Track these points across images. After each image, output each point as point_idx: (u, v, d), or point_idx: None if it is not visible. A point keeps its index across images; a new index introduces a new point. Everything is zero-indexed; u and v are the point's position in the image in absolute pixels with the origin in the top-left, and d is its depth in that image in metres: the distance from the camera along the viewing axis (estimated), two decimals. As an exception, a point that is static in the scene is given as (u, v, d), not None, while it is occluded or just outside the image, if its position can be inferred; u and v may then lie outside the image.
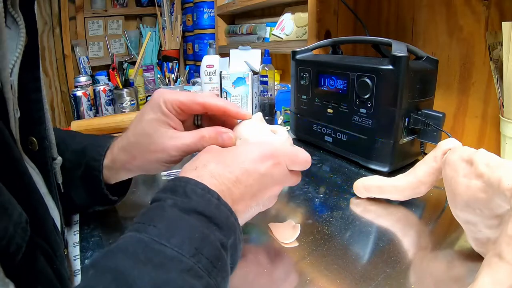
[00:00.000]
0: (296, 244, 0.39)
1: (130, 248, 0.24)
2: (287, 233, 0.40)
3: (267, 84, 1.00)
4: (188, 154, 0.38)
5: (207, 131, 0.37)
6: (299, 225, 0.41)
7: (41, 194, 0.28)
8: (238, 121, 0.39)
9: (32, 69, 0.29)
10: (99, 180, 0.40)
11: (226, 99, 1.05)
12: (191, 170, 0.31)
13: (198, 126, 0.41)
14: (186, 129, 0.39)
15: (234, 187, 0.30)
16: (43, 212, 0.27)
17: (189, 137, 0.37)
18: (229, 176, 0.30)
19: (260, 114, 0.38)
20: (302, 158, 0.34)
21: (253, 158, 0.32)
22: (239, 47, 1.09)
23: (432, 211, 0.47)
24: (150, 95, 1.44)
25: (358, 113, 0.60)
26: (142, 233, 0.25)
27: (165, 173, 0.59)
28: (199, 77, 1.16)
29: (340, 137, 0.65)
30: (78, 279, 0.35)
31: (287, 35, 1.14)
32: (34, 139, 0.29)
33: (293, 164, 0.34)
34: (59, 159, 0.36)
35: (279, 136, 0.37)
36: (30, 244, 0.21)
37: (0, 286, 0.18)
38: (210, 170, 0.30)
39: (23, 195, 0.22)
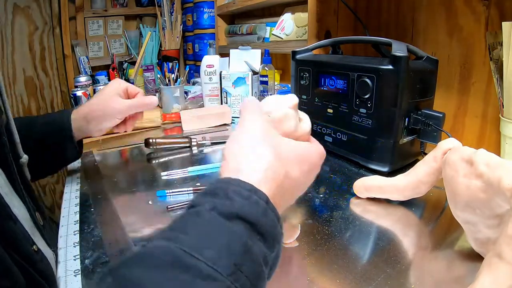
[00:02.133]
0: (296, 244, 0.39)
1: (156, 259, 0.20)
2: (287, 233, 0.40)
3: (267, 84, 1.00)
4: (128, 113, 0.60)
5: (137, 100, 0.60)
6: (299, 225, 0.42)
7: None
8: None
9: None
10: (71, 138, 0.55)
11: (226, 99, 1.05)
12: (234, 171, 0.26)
13: None
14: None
15: (286, 190, 0.28)
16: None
17: (129, 101, 0.59)
18: (281, 177, 0.27)
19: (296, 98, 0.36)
20: (323, 155, 0.35)
21: (315, 160, 0.32)
22: (239, 47, 1.09)
23: (432, 211, 0.47)
24: (150, 95, 1.44)
25: (358, 113, 0.60)
26: (171, 242, 0.21)
27: (165, 173, 0.59)
28: (199, 77, 1.16)
29: (340, 137, 0.65)
30: (78, 279, 0.35)
31: (287, 35, 1.14)
32: None
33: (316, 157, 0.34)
34: (24, 157, 0.38)
35: (306, 126, 0.35)
36: None
37: None
38: (267, 160, 0.26)
39: None
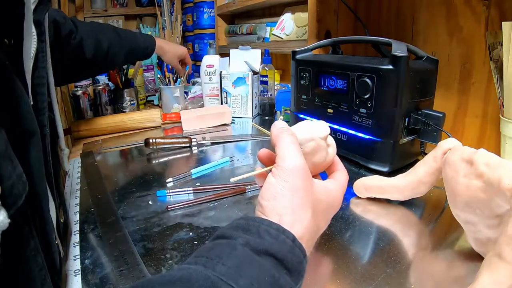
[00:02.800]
0: None
1: (196, 284, 0.22)
2: None
3: (267, 84, 1.00)
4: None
5: None
6: None
7: (41, 176, 0.30)
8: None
9: (42, 67, 0.35)
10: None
11: (226, 99, 1.05)
12: (282, 215, 0.28)
13: None
14: None
15: (316, 235, 0.31)
16: (38, 193, 0.29)
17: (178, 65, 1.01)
18: (315, 227, 0.30)
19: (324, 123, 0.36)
20: (346, 179, 0.36)
21: (334, 212, 0.33)
22: (239, 47, 1.09)
23: (432, 211, 0.47)
24: (150, 95, 1.44)
25: (358, 113, 0.60)
26: (209, 270, 0.23)
27: (171, 179, 0.59)
28: (199, 77, 1.16)
29: (340, 137, 0.65)
30: (78, 279, 0.35)
31: (287, 35, 1.14)
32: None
33: (343, 189, 0.35)
34: (66, 151, 0.41)
35: (332, 150, 0.35)
36: (24, 216, 0.23)
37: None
38: (304, 224, 0.29)
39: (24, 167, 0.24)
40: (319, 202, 0.31)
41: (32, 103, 0.30)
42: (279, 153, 0.31)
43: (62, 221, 0.38)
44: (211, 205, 0.50)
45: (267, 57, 1.00)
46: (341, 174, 0.35)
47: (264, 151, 0.35)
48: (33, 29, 0.32)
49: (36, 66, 0.33)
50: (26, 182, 0.22)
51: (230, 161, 0.67)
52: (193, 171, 0.62)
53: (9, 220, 0.19)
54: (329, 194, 0.32)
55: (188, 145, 0.77)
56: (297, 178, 0.29)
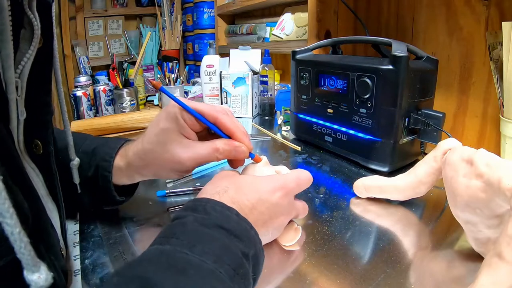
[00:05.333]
0: (298, 247, 0.39)
1: (154, 258, 0.25)
2: (289, 235, 0.40)
3: (267, 84, 1.00)
4: (201, 164, 0.38)
5: (221, 144, 0.37)
6: (301, 227, 0.41)
7: (38, 195, 0.28)
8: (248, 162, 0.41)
9: (44, 72, 0.29)
10: (108, 181, 0.40)
11: (226, 99, 1.05)
12: (213, 194, 0.33)
13: (212, 134, 0.40)
14: (200, 137, 0.39)
15: (250, 213, 0.33)
16: (37, 212, 0.27)
17: (203, 149, 0.37)
18: (246, 203, 0.33)
19: (265, 158, 0.42)
20: (305, 177, 0.38)
21: (267, 188, 0.35)
22: (239, 47, 1.09)
23: (432, 211, 0.47)
24: (150, 95, 1.44)
25: (358, 113, 0.60)
26: (165, 245, 0.26)
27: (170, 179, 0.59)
28: (199, 77, 1.16)
29: (340, 137, 0.65)
30: (78, 279, 0.35)
31: (287, 35, 1.14)
32: (39, 142, 0.29)
33: (299, 187, 0.38)
34: (76, 160, 0.36)
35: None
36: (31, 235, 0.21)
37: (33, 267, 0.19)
38: (230, 195, 0.33)
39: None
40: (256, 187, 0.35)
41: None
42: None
43: (65, 225, 0.38)
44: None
45: (267, 57, 1.00)
46: (291, 173, 0.39)
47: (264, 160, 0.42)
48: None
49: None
50: (29, 215, 0.22)
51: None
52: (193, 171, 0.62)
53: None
54: (271, 180, 0.37)
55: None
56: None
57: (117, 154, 0.41)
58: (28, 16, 0.25)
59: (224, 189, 0.33)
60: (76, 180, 0.38)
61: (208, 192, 0.34)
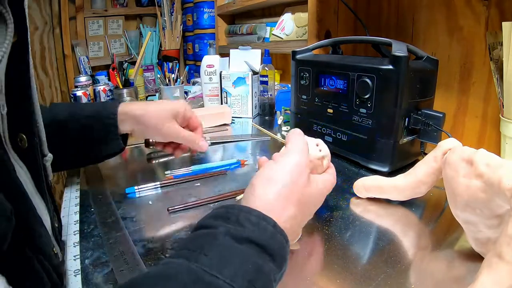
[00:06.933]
0: (298, 247, 0.39)
1: (180, 277, 0.22)
2: None
3: (267, 84, 1.00)
4: (175, 116, 0.56)
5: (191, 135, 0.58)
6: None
7: (26, 192, 0.27)
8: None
9: (21, 66, 0.29)
10: (116, 133, 0.53)
11: (226, 99, 1.05)
12: (272, 200, 0.30)
13: None
14: None
15: (292, 222, 0.31)
16: (26, 211, 0.26)
17: (183, 132, 0.57)
18: (299, 218, 0.32)
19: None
20: (332, 185, 0.38)
21: (310, 194, 0.34)
22: (239, 47, 1.09)
23: (432, 211, 0.47)
24: (150, 95, 1.44)
25: (358, 113, 0.60)
26: (192, 262, 0.23)
27: (168, 171, 0.59)
28: (199, 77, 1.16)
29: (340, 137, 0.65)
30: (78, 279, 0.35)
31: (287, 35, 1.14)
32: (24, 136, 0.29)
33: (328, 191, 0.38)
34: (49, 156, 0.36)
35: (327, 162, 0.39)
36: (17, 239, 0.21)
37: None
38: (289, 214, 0.30)
39: (5, 193, 0.21)
40: (310, 195, 0.33)
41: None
42: (288, 147, 0.34)
43: (57, 225, 0.37)
44: (211, 206, 0.50)
45: (267, 57, 1.00)
46: (331, 172, 0.39)
47: (264, 159, 0.37)
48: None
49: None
50: (11, 214, 0.21)
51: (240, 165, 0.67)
52: (193, 167, 0.63)
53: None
54: (319, 191, 0.35)
55: (188, 145, 0.77)
56: (294, 170, 0.32)
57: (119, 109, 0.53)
58: (0, 11, 0.24)
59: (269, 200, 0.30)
60: (50, 176, 0.38)
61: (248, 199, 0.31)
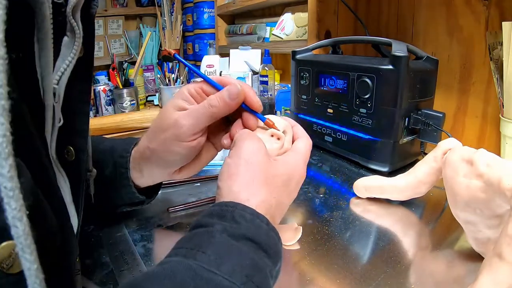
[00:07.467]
0: (298, 247, 0.39)
1: (178, 275, 0.23)
2: (289, 235, 0.40)
3: (267, 84, 1.00)
4: (201, 125, 0.35)
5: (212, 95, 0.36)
6: (301, 227, 0.41)
7: (65, 205, 0.27)
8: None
9: (83, 81, 0.29)
10: (126, 177, 0.40)
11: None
12: (237, 193, 0.30)
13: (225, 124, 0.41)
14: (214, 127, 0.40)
15: (277, 210, 0.32)
16: (65, 221, 0.26)
17: (196, 105, 0.36)
18: (273, 201, 0.31)
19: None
20: (307, 146, 0.36)
21: (277, 171, 0.32)
22: (239, 47, 1.09)
23: (432, 211, 0.47)
24: (150, 95, 1.44)
25: (358, 113, 0.60)
26: (190, 260, 0.24)
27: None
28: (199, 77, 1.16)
29: (340, 137, 0.65)
30: (78, 279, 0.35)
31: (287, 35, 1.14)
32: (72, 149, 0.29)
33: (305, 156, 0.36)
34: (94, 172, 0.36)
35: (289, 138, 0.37)
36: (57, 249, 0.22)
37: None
38: (260, 198, 0.30)
39: (48, 203, 0.22)
40: (278, 176, 0.32)
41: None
42: (237, 137, 0.33)
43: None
44: (211, 206, 0.50)
45: (267, 57, 1.00)
46: (300, 142, 0.36)
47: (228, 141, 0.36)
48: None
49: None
50: (57, 233, 0.21)
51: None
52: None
53: None
54: (288, 167, 0.33)
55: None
56: (251, 154, 0.31)
57: (133, 148, 0.40)
58: (71, 24, 0.25)
59: (249, 188, 0.30)
60: (92, 190, 0.37)
61: (231, 189, 0.30)
